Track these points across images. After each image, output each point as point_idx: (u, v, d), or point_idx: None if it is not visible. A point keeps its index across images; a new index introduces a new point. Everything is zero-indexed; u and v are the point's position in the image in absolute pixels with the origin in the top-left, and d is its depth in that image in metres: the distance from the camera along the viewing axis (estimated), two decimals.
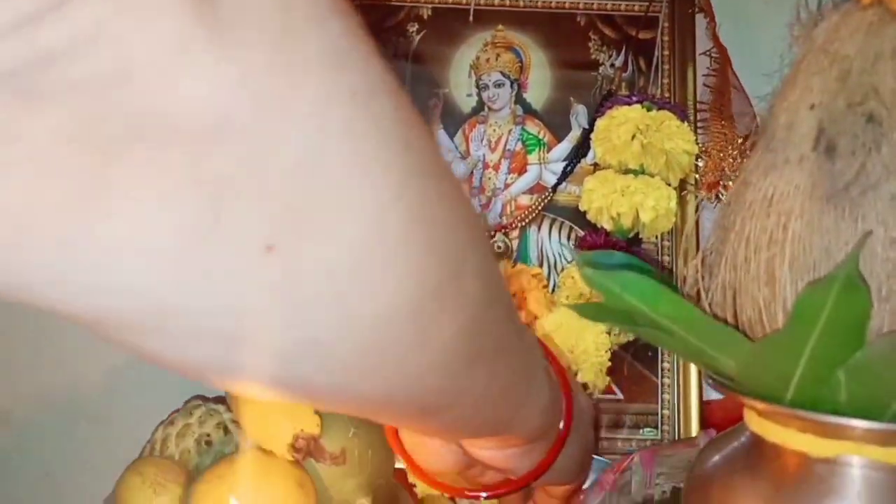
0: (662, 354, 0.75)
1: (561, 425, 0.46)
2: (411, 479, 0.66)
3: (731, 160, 0.77)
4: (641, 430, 0.75)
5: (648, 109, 0.72)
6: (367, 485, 0.59)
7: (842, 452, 0.38)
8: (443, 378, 0.30)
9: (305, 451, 0.53)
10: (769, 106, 0.45)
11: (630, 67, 0.78)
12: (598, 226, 0.73)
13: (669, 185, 0.72)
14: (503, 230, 0.76)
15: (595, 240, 0.73)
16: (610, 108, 0.73)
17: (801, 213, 0.39)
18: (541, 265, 0.75)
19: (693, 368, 0.74)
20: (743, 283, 0.41)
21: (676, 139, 0.71)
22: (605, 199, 0.71)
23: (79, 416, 0.88)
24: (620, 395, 0.75)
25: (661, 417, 0.75)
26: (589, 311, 0.43)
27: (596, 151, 0.74)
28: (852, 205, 0.38)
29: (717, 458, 0.45)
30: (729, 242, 0.43)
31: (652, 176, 0.72)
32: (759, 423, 0.42)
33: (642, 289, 0.37)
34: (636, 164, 0.72)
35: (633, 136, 0.71)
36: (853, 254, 0.33)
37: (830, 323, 0.33)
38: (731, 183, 0.77)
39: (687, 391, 0.74)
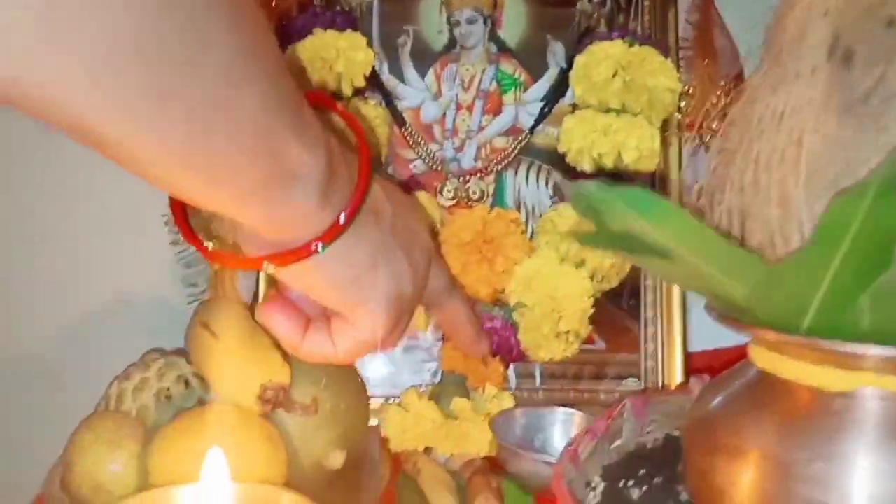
0: (646, 303, 0.72)
1: (342, 217, 0.39)
2: (384, 433, 0.63)
3: (715, 100, 0.74)
4: (624, 381, 0.72)
5: (630, 45, 0.68)
6: (340, 439, 0.55)
7: (860, 385, 0.35)
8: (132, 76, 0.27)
9: (274, 402, 0.49)
10: (774, 19, 0.41)
11: (609, 3, 0.75)
12: (578, 169, 0.69)
13: (652, 125, 0.69)
14: (478, 174, 0.72)
15: None
16: (589, 44, 0.69)
17: (817, 128, 0.36)
18: (518, 210, 0.72)
19: (677, 318, 0.72)
20: (752, 206, 0.38)
21: (659, 76, 0.68)
22: (585, 139, 0.68)
23: (30, 374, 0.83)
24: (602, 345, 0.72)
25: (645, 368, 0.72)
26: (586, 236, 0.39)
27: (575, 90, 0.70)
28: (873, 116, 0.35)
29: (719, 399, 0.42)
30: (734, 165, 0.40)
31: (634, 115, 0.68)
32: (768, 358, 0.39)
33: (649, 206, 0.33)
34: (618, 102, 0.68)
35: (615, 74, 0.67)
36: (889, 159, 0.29)
37: (859, 238, 0.30)
38: (715, 124, 0.74)
39: (671, 341, 0.72)
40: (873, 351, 0.34)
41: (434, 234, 0.67)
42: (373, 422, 0.64)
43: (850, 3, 0.37)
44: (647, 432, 0.53)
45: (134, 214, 0.79)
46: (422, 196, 0.69)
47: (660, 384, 0.72)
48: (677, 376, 0.72)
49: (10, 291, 0.82)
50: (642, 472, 0.48)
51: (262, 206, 0.36)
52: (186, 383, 0.56)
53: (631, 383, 0.72)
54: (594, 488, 0.46)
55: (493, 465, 0.61)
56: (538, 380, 0.71)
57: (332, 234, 0.39)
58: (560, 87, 0.73)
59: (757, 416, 0.38)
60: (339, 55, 0.66)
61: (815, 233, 0.31)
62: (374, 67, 0.70)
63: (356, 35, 0.68)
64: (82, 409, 0.71)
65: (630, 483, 0.47)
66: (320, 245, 0.39)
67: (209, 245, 0.42)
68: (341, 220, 0.39)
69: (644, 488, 0.46)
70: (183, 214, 0.42)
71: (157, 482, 0.48)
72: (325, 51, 0.66)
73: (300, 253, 0.39)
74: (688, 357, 0.72)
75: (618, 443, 0.51)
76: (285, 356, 0.52)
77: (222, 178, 0.33)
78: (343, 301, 0.42)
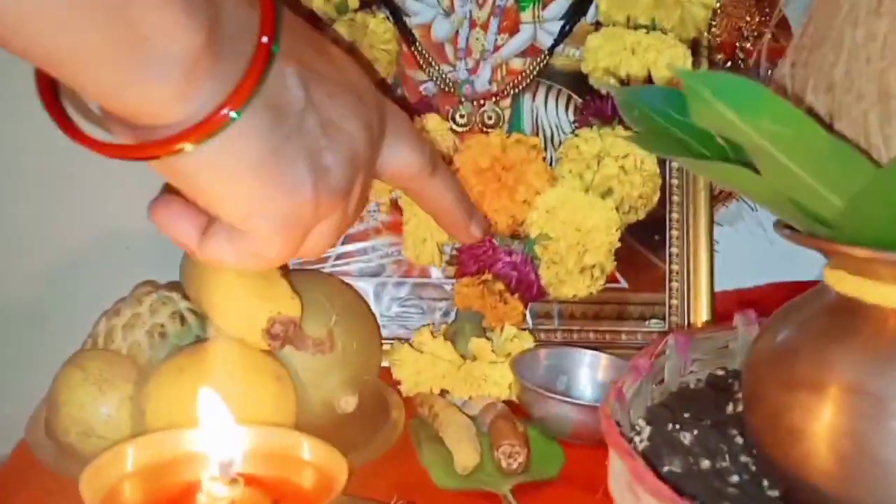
0: (671, 239, 0.67)
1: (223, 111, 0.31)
2: (395, 376, 0.58)
3: (748, 19, 0.69)
4: (647, 322, 0.68)
5: None
6: (352, 381, 0.50)
7: None
8: None
9: (283, 338, 0.44)
10: None
11: None
12: (603, 92, 0.64)
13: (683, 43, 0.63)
14: (493, 98, 0.67)
15: (601, 107, 0.64)
16: None
17: None
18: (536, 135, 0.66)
19: (703, 255, 0.67)
20: (843, 104, 0.33)
21: None
22: (612, 58, 0.62)
23: (14, 317, 0.78)
24: (625, 284, 0.67)
25: (669, 308, 0.68)
26: (648, 140, 0.34)
27: (599, 6, 0.64)
28: None
29: (791, 330, 0.37)
30: (819, 60, 0.34)
31: (665, 32, 0.63)
32: (852, 282, 0.34)
33: (743, 93, 0.28)
34: (647, 18, 0.62)
35: None
36: None
37: None
38: (748, 44, 0.69)
39: (697, 279, 0.67)
40: None
41: (448, 160, 0.62)
42: (385, 364, 0.59)
43: None
44: (690, 372, 0.48)
45: None
46: (433, 120, 0.63)
47: (684, 325, 0.68)
48: (703, 315, 0.67)
49: None
50: (687, 415, 0.44)
51: (109, 81, 0.29)
52: (182, 319, 0.51)
53: (654, 324, 0.68)
54: (639, 432, 0.42)
55: (515, 410, 0.56)
56: (556, 320, 0.66)
57: (202, 130, 0.31)
58: (582, 4, 0.67)
59: (842, 346, 0.34)
60: None
61: None
62: None
63: None
64: (70, 351, 0.65)
65: (678, 426, 0.42)
66: (187, 144, 0.31)
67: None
68: (221, 114, 0.31)
69: (695, 432, 0.42)
70: (50, 90, 0.35)
71: (153, 426, 0.43)
72: None
73: (159, 148, 0.32)
74: (714, 296, 0.67)
75: (660, 383, 0.47)
76: (294, 288, 0.46)
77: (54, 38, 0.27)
78: (226, 213, 0.35)
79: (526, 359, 0.57)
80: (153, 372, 0.45)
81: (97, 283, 0.74)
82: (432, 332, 0.60)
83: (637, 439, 0.41)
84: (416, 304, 0.65)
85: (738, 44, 0.67)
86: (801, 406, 0.34)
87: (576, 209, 0.59)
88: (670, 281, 0.68)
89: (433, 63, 0.67)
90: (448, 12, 0.67)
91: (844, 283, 0.35)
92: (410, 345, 0.59)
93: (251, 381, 0.44)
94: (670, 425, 0.42)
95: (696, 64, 0.65)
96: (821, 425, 0.33)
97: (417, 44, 0.66)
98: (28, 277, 0.77)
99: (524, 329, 0.62)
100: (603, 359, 0.60)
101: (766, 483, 0.38)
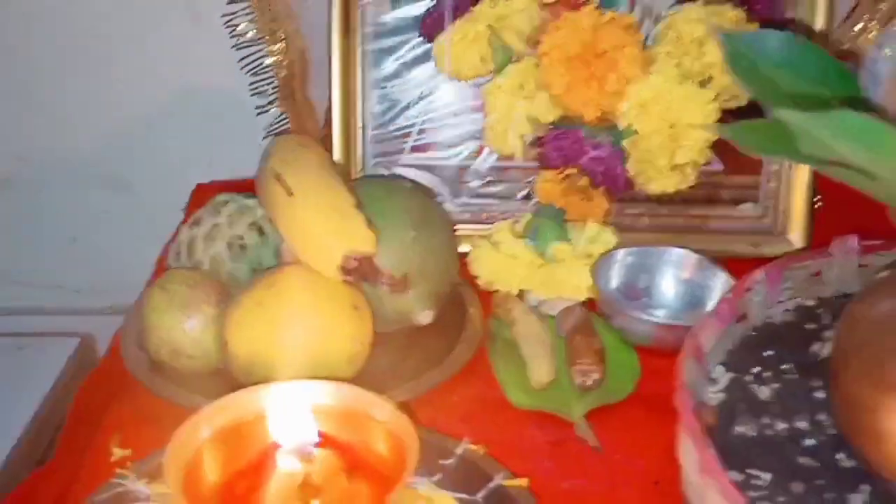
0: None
1: None
2: (472, 272, 0.58)
3: None
4: (739, 206, 0.65)
5: None
6: (430, 295, 0.50)
7: None
8: None
9: (358, 273, 0.44)
10: None
11: None
12: None
13: None
14: None
15: None
16: None
17: None
18: (631, 11, 0.61)
19: None
20: None
21: None
22: None
23: (96, 182, 0.79)
24: (720, 166, 0.63)
25: (765, 191, 0.64)
26: (753, 137, 0.30)
27: None
28: None
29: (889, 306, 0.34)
30: None
31: None
32: None
33: (864, 134, 0.24)
34: None
35: None
36: None
37: None
38: None
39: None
40: None
41: (534, 42, 0.57)
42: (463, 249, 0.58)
43: None
44: (779, 302, 0.46)
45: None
46: None
47: (778, 211, 0.64)
48: (800, 202, 0.64)
49: (66, 94, 0.76)
50: (770, 353, 0.42)
51: None
52: (260, 230, 0.51)
53: (747, 208, 0.65)
54: (716, 380, 0.41)
55: (593, 309, 0.56)
56: (642, 205, 0.64)
57: None
58: None
59: None
60: None
61: None
62: None
63: None
64: (149, 211, 0.68)
65: (757, 372, 0.41)
66: None
67: None
68: None
69: (774, 386, 0.40)
70: None
71: (236, 357, 0.45)
72: None
73: None
74: (815, 183, 0.63)
75: (742, 318, 0.45)
76: (369, 222, 0.45)
77: None
78: None
79: (606, 262, 0.56)
80: (233, 302, 0.46)
81: (174, 146, 0.74)
82: (512, 229, 0.59)
83: (711, 391, 0.41)
84: (497, 188, 0.64)
85: None
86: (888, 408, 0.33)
87: (671, 103, 0.55)
88: (769, 161, 0.64)
89: None
90: None
91: None
92: (490, 241, 0.58)
93: (328, 312, 0.44)
94: (749, 375, 0.41)
95: None
96: None
97: None
98: (107, 141, 0.78)
99: (608, 224, 0.60)
100: (689, 258, 0.58)
101: (840, 455, 0.37)
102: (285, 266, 0.46)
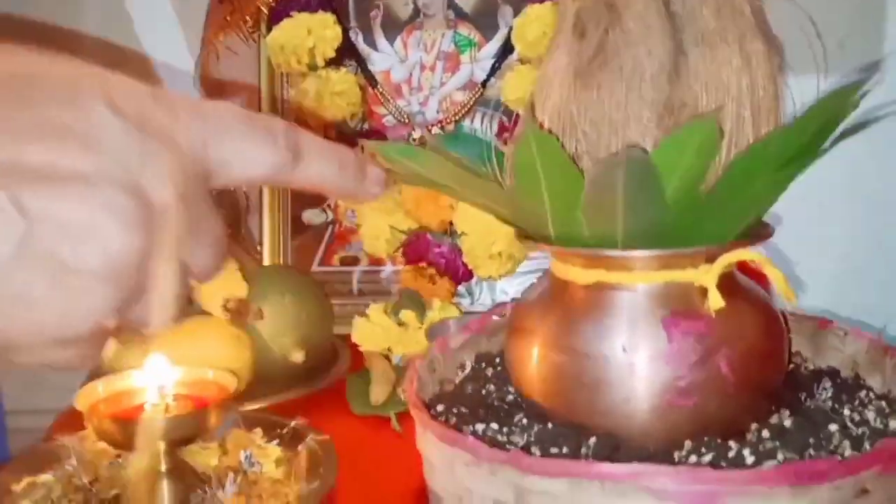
0: None
1: None
2: (354, 339, 0.78)
3: None
4: None
5: None
6: (302, 340, 0.72)
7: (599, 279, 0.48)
8: None
9: (234, 311, 0.66)
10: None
11: None
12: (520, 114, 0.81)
13: None
14: (440, 125, 0.85)
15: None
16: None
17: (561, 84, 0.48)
18: None
19: None
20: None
21: None
22: (522, 90, 0.80)
23: None
24: None
25: None
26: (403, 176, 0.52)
27: (517, 47, 0.82)
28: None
29: (530, 303, 0.54)
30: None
31: None
32: (560, 269, 0.51)
33: (414, 155, 0.46)
34: None
35: (544, 32, 0.79)
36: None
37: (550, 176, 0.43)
38: None
39: None
40: (599, 252, 0.46)
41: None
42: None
43: None
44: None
45: None
46: None
47: None
48: None
49: None
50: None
51: None
52: None
53: None
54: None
55: None
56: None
57: None
58: (509, 45, 0.84)
59: (552, 310, 0.51)
60: (310, 33, 0.81)
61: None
62: (350, 39, 0.85)
63: (326, 15, 0.82)
64: None
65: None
66: None
67: None
68: None
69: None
70: None
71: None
72: (298, 31, 0.81)
73: None
74: None
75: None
76: (243, 274, 0.68)
77: None
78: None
79: (439, 326, 0.76)
80: None
81: None
82: (382, 309, 0.80)
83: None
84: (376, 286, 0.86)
85: None
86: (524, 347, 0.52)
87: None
88: None
89: (392, 100, 0.86)
90: (403, 60, 0.87)
91: (557, 270, 0.52)
92: (366, 317, 0.79)
93: (215, 336, 0.66)
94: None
95: None
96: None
97: (380, 86, 0.86)
98: None
99: (453, 303, 0.81)
100: None
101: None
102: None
